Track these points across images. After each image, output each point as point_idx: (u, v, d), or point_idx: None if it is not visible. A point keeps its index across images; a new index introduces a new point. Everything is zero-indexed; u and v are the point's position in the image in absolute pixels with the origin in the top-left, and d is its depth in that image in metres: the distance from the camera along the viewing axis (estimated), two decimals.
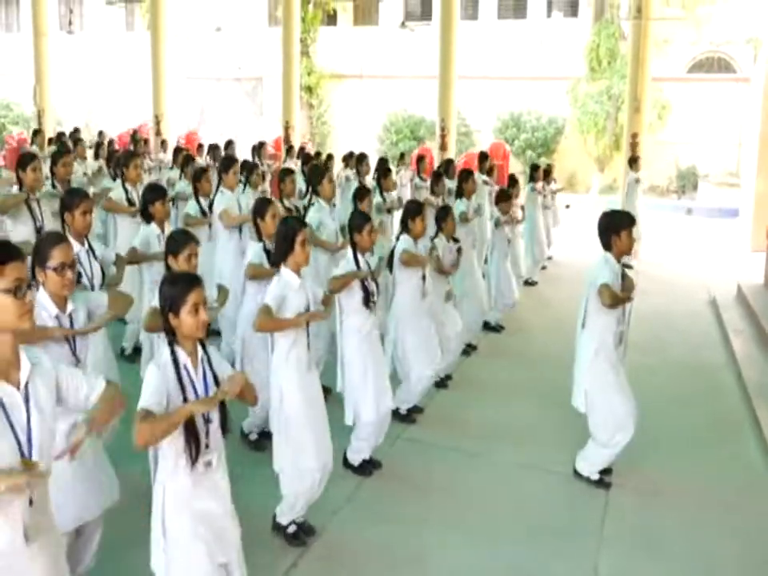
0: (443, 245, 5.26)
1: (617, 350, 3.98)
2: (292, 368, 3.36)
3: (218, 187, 6.01)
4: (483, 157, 9.89)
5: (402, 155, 12.33)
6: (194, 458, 2.46)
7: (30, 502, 1.85)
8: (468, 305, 6.16)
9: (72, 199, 3.86)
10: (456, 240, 5.34)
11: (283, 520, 3.52)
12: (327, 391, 4.98)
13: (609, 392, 3.98)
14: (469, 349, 6.48)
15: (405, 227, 4.79)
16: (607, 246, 3.90)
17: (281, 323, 3.31)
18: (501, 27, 21.47)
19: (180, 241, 3.56)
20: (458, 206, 6.32)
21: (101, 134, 13.28)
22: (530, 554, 3.51)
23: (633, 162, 11.29)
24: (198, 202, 6.07)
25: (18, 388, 1.84)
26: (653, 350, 6.74)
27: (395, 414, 4.96)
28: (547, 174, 10.54)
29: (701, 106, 19.93)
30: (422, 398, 5.26)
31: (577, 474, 4.23)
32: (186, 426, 2.42)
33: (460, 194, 6.59)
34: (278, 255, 3.45)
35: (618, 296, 3.81)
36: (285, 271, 3.40)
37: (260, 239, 4.40)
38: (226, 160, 6.14)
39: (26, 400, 1.85)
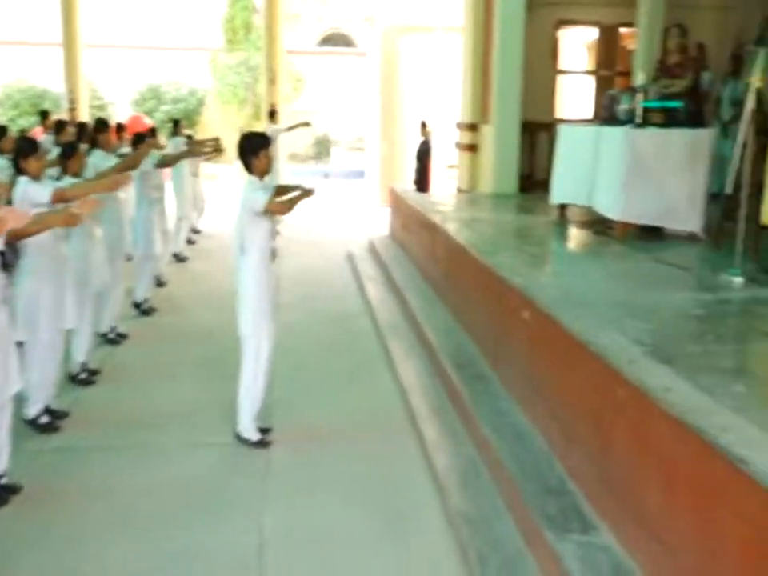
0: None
1: (271, 272, 4.19)
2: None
3: None
4: (119, 128, 9.58)
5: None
6: None
7: None
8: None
9: None
10: None
11: None
12: None
13: (260, 319, 4.17)
14: (118, 338, 6.08)
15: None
16: (248, 167, 4.10)
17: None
18: None
19: None
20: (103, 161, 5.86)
21: None
22: (192, 535, 3.44)
23: (272, 115, 12.11)
24: None
25: None
26: (301, 307, 7.14)
27: (32, 423, 4.38)
28: (190, 138, 10.53)
29: (330, 77, 21.48)
30: (65, 401, 4.78)
31: (239, 438, 4.30)
32: None
33: (94, 145, 6.11)
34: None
35: (289, 200, 4.07)
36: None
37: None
38: None
39: None
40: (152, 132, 8.69)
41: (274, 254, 4.24)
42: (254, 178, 4.09)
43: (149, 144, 5.79)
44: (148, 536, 3.45)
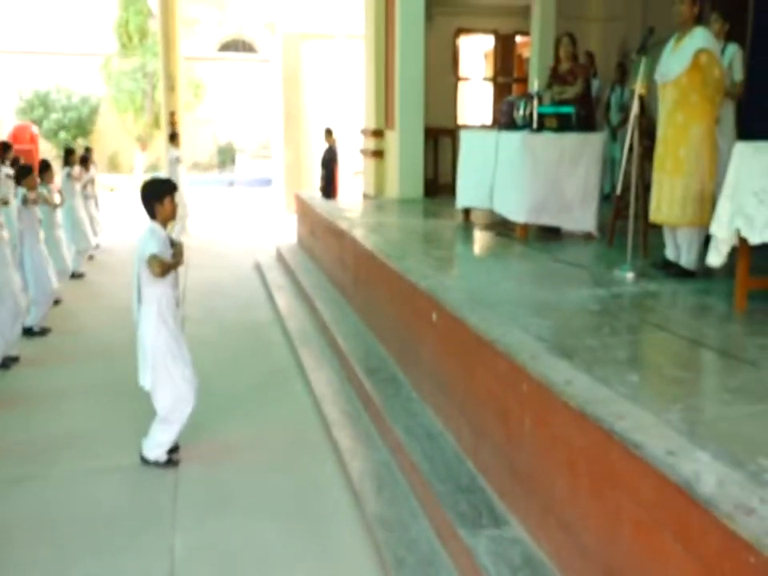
0: None
1: (176, 319, 4.04)
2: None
3: None
4: (5, 147, 8.72)
5: None
6: None
7: None
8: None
9: None
10: None
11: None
12: None
13: (171, 364, 3.98)
14: (9, 362, 5.68)
15: None
16: (152, 214, 3.93)
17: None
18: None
19: None
20: None
21: None
22: (98, 562, 3.27)
23: (172, 138, 11.57)
24: None
25: None
26: (209, 319, 6.98)
27: None
28: (85, 160, 10.05)
29: (232, 84, 21.16)
30: None
31: (145, 461, 4.12)
32: None
33: None
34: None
35: (167, 262, 3.87)
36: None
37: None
38: None
39: None
40: (45, 166, 7.85)
41: (177, 305, 4.06)
42: (155, 226, 3.91)
43: None
44: (51, 565, 3.25)
